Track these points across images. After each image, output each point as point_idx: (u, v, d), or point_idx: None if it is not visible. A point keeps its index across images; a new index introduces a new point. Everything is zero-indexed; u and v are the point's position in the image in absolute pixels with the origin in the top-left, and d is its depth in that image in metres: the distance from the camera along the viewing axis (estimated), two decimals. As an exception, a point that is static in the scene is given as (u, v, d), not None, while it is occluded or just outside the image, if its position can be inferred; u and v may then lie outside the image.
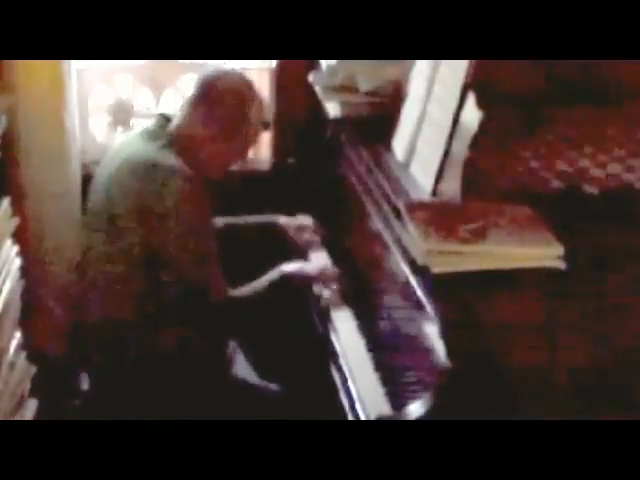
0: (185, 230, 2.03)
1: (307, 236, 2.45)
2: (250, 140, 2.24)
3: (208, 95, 2.14)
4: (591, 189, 1.97)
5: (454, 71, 1.99)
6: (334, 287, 2.24)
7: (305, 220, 2.51)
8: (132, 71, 2.81)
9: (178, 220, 2.02)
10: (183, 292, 2.05)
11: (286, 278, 2.17)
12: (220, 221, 2.38)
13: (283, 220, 2.48)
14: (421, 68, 2.21)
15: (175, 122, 2.16)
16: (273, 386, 2.22)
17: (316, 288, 2.26)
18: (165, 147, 2.10)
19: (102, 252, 2.09)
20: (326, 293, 2.24)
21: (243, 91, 2.16)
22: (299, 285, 2.22)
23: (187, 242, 2.03)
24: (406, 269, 1.79)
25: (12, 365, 2.11)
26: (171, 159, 2.07)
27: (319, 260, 2.36)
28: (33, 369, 2.27)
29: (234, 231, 2.40)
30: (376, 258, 2.09)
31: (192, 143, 2.13)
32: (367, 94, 2.52)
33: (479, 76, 1.95)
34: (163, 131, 2.14)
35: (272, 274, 2.18)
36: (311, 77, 2.69)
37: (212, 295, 2.07)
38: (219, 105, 2.13)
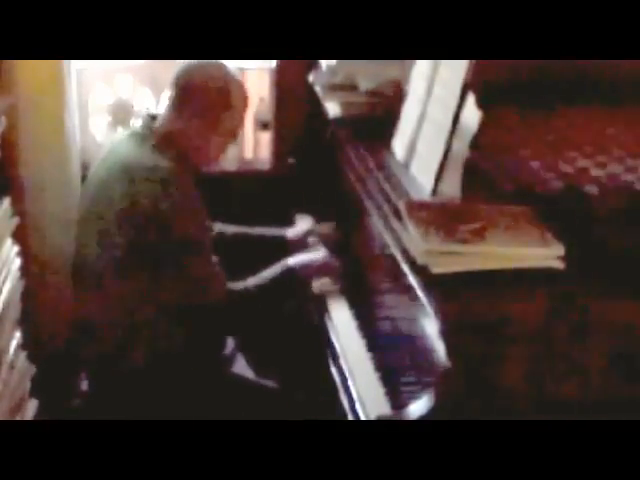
0: (180, 229, 2.03)
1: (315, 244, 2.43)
2: (237, 126, 2.22)
3: (186, 89, 2.13)
4: (591, 189, 1.97)
5: (454, 71, 1.99)
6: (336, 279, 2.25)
7: (308, 224, 2.52)
8: (132, 71, 2.81)
9: (172, 220, 2.01)
10: (182, 291, 2.05)
11: (290, 271, 2.18)
12: (228, 229, 2.41)
13: (291, 234, 2.47)
14: (421, 68, 2.21)
15: (159, 121, 2.16)
16: (273, 386, 2.22)
17: (318, 281, 2.26)
18: (153, 148, 2.09)
19: (95, 256, 2.08)
20: (326, 283, 2.24)
21: (220, 80, 2.14)
22: (303, 277, 2.21)
23: (183, 240, 2.03)
24: (406, 269, 1.78)
25: (12, 365, 2.11)
26: (160, 160, 2.06)
27: (322, 252, 2.33)
28: (33, 369, 2.27)
29: (240, 241, 2.40)
30: (376, 258, 2.09)
31: (178, 140, 2.12)
32: (367, 94, 2.53)
33: (479, 76, 1.95)
34: (150, 132, 2.14)
35: (276, 267, 2.18)
36: (311, 77, 2.69)
37: (212, 291, 2.07)
38: (198, 97, 2.11)
